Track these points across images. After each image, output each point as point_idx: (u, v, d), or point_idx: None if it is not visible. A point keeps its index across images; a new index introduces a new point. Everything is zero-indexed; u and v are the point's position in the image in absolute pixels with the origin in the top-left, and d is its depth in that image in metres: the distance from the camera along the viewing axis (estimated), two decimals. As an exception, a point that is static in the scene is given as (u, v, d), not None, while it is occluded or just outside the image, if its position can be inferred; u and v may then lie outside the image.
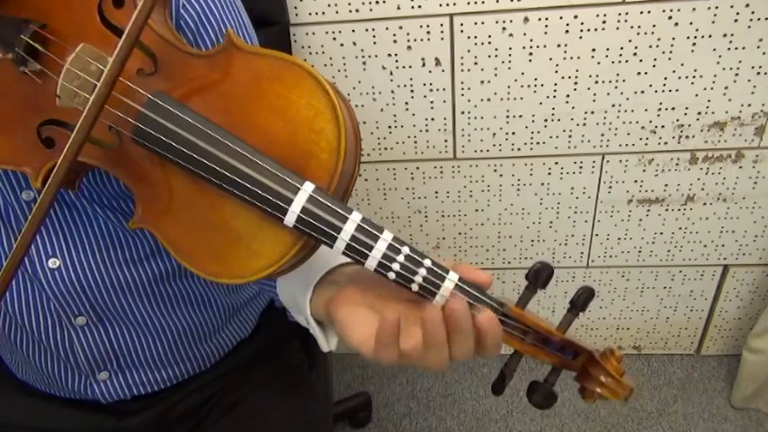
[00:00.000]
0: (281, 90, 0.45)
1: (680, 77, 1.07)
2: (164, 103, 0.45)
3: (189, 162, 0.44)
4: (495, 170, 1.21)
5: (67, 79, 0.46)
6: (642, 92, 1.09)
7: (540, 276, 0.48)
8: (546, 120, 1.14)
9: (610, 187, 1.22)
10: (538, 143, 1.17)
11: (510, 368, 0.50)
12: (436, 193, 1.26)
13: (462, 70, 1.09)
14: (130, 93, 0.46)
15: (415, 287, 0.45)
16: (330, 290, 0.54)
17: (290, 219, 0.43)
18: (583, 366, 0.52)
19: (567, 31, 1.03)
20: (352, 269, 0.54)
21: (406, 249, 0.45)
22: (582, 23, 1.02)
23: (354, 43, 1.08)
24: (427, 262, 0.45)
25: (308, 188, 0.43)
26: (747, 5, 0.99)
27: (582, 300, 0.48)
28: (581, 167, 1.20)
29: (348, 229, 0.44)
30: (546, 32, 1.04)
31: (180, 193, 0.47)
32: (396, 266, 0.45)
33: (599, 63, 1.06)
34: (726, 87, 1.08)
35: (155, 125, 0.45)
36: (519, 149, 1.18)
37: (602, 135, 1.15)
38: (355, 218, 0.44)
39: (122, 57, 0.42)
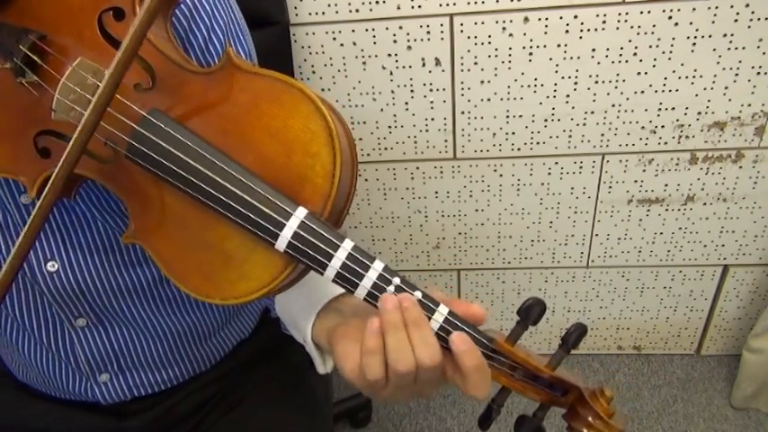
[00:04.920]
0: (278, 112, 0.44)
1: (680, 77, 1.07)
2: (159, 122, 0.45)
3: (181, 182, 0.44)
4: (495, 170, 1.21)
5: (63, 94, 0.45)
6: (642, 92, 1.09)
7: (531, 312, 0.47)
8: (546, 120, 1.14)
9: (610, 187, 1.22)
10: (538, 143, 1.17)
11: (498, 403, 0.49)
12: (436, 193, 1.26)
13: (462, 70, 1.09)
14: (126, 109, 0.45)
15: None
16: (334, 319, 0.54)
17: (281, 244, 0.43)
18: (572, 404, 0.51)
19: (567, 31, 1.03)
20: (356, 299, 0.55)
21: (396, 280, 0.45)
22: (582, 23, 1.02)
23: (354, 43, 1.08)
24: (418, 294, 0.45)
25: (300, 214, 0.43)
26: (747, 5, 0.99)
27: (574, 337, 0.48)
28: (581, 167, 1.20)
29: (339, 257, 0.44)
30: (546, 32, 1.04)
31: (173, 212, 0.47)
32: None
33: (599, 63, 1.06)
34: (726, 87, 1.08)
35: (149, 143, 0.44)
36: (519, 149, 1.18)
37: (602, 135, 1.15)
38: (347, 246, 0.44)
39: (119, 72, 0.42)
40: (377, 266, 0.44)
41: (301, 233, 0.43)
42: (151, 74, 0.47)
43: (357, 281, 0.44)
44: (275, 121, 0.45)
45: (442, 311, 0.46)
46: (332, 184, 0.44)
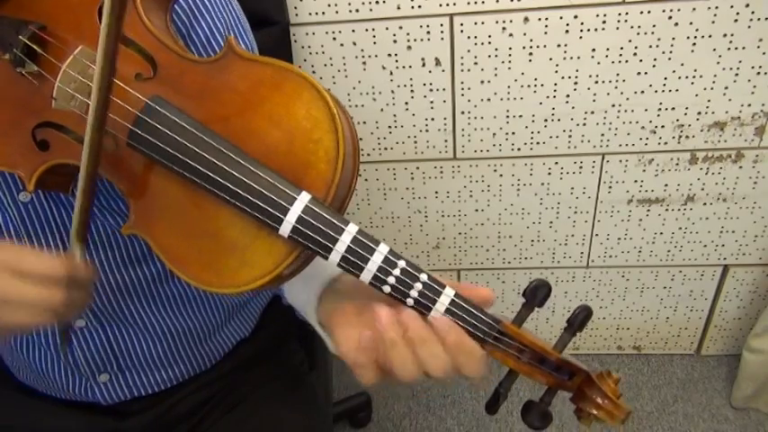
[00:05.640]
0: (280, 99, 0.45)
1: (680, 77, 1.07)
2: (161, 109, 0.45)
3: (184, 168, 0.44)
4: (495, 170, 1.21)
5: (64, 82, 0.46)
6: (642, 92, 1.09)
7: (537, 294, 0.47)
8: (546, 120, 1.14)
9: (610, 187, 1.22)
10: (538, 143, 1.17)
11: (505, 387, 0.49)
12: (436, 193, 1.26)
13: (462, 70, 1.09)
14: (128, 96, 0.45)
15: (410, 302, 0.45)
16: (334, 301, 0.54)
17: (285, 229, 0.43)
18: (579, 387, 0.51)
19: (567, 31, 1.03)
20: (354, 278, 0.55)
21: (402, 263, 0.45)
22: (582, 23, 1.02)
23: (354, 43, 1.08)
24: (423, 277, 0.45)
25: (304, 198, 0.43)
26: (747, 5, 0.99)
27: (579, 319, 0.48)
28: (581, 167, 1.20)
29: (344, 241, 0.43)
30: (546, 32, 1.04)
31: (174, 201, 0.47)
32: (391, 280, 0.45)
33: (599, 63, 1.06)
34: (726, 87, 1.08)
35: (151, 130, 0.44)
36: (519, 149, 1.18)
37: (602, 135, 1.15)
38: (351, 230, 0.44)
39: (109, 51, 0.42)
40: (382, 250, 0.44)
41: (305, 218, 0.43)
42: (152, 63, 0.47)
43: (362, 264, 0.44)
44: (278, 108, 0.45)
45: (448, 294, 0.46)
46: (335, 169, 0.44)
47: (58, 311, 0.47)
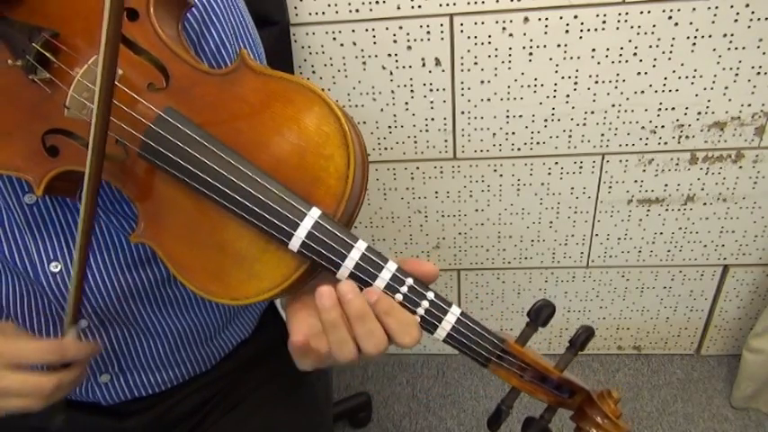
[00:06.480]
0: (291, 113, 0.45)
1: (680, 77, 1.07)
2: (173, 120, 0.45)
3: (195, 180, 0.44)
4: (495, 170, 1.21)
5: (77, 91, 0.46)
6: (642, 92, 1.09)
7: (541, 314, 0.49)
8: (546, 120, 1.14)
9: (610, 187, 1.22)
10: (538, 143, 1.17)
11: (507, 404, 0.50)
12: (436, 193, 1.26)
13: (462, 70, 1.09)
14: (140, 107, 0.45)
15: (416, 319, 0.46)
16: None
17: (294, 243, 0.44)
18: (579, 406, 0.52)
19: (567, 31, 1.03)
20: None
21: (409, 281, 0.45)
22: (582, 23, 1.02)
23: (354, 43, 1.08)
24: (430, 295, 0.46)
25: (314, 214, 0.43)
26: (747, 5, 0.99)
27: (581, 340, 0.49)
28: (581, 167, 1.20)
29: (353, 257, 0.44)
30: (546, 32, 1.04)
31: (184, 212, 0.47)
32: (399, 297, 0.45)
33: (599, 63, 1.06)
34: (726, 87, 1.08)
35: (163, 141, 0.45)
36: (519, 149, 1.18)
37: (602, 135, 1.15)
38: (361, 246, 0.44)
39: (110, 55, 0.42)
40: (390, 267, 0.45)
41: (315, 233, 0.43)
42: (164, 74, 0.47)
43: (370, 281, 0.45)
44: (289, 123, 0.45)
45: (454, 312, 0.46)
46: (345, 185, 0.44)
47: (51, 396, 0.50)
